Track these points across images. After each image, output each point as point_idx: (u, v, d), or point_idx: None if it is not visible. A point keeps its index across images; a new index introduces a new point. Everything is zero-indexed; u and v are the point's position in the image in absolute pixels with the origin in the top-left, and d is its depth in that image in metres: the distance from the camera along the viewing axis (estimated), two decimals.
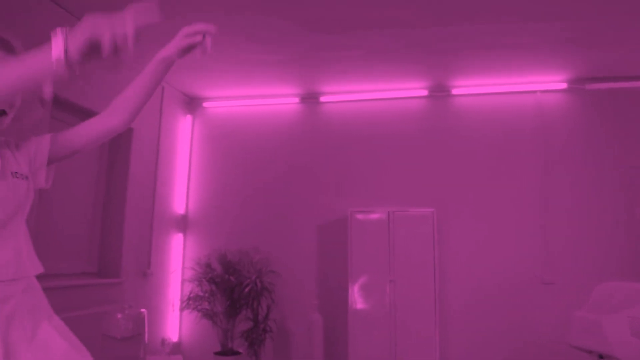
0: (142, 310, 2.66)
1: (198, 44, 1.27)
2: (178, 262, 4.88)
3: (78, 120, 3.74)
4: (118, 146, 4.17)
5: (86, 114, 3.76)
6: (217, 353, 4.18)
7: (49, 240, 3.46)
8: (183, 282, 4.72)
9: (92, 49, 0.93)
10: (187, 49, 1.28)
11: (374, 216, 4.28)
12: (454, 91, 4.78)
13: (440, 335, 4.10)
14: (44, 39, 1.06)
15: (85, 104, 3.67)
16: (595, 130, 4.52)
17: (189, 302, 4.12)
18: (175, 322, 4.75)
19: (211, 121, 5.24)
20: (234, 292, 4.12)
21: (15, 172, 1.27)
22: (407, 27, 3.67)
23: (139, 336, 2.40)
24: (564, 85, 4.62)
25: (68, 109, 3.65)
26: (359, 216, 4.31)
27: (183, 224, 4.98)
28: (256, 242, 4.64)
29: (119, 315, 2.38)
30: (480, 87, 4.74)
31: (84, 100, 3.64)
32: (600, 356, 2.57)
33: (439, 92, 4.80)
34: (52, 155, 1.39)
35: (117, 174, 4.20)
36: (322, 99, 4.99)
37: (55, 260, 3.52)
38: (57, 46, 0.97)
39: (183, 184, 5.06)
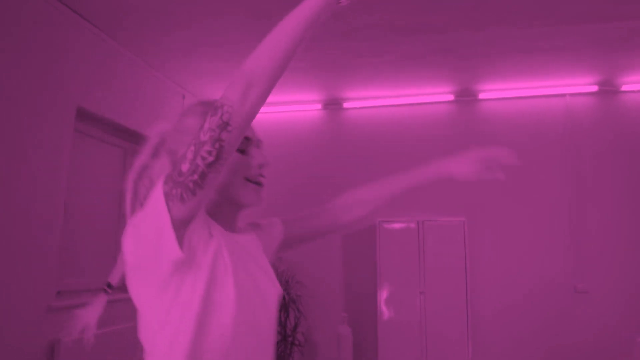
0: None
1: None
2: None
3: (101, 132, 3.68)
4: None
5: (109, 125, 3.69)
6: None
7: (73, 256, 3.38)
8: None
9: None
10: None
11: (403, 225, 4.17)
12: (481, 95, 4.66)
13: (472, 347, 3.98)
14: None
15: (108, 114, 3.58)
16: (626, 134, 4.39)
17: None
18: None
19: None
20: None
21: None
22: (438, 32, 3.56)
23: None
24: (594, 88, 4.49)
25: (91, 121, 3.56)
26: (387, 225, 4.20)
27: None
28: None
29: None
30: (508, 91, 4.62)
31: (107, 111, 3.56)
32: None
33: (466, 97, 4.68)
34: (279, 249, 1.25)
35: None
36: (345, 105, 4.88)
37: (79, 276, 3.44)
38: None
39: None
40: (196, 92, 4.77)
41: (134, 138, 3.95)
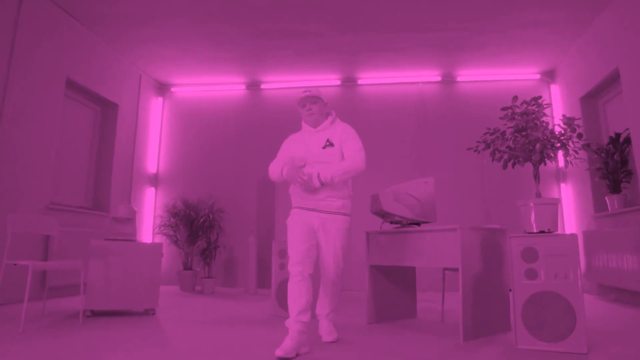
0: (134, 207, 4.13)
1: None
2: (151, 208, 6.42)
3: (87, 100, 5.30)
4: (107, 119, 5.69)
5: (93, 96, 5.29)
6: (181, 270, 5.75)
7: (63, 178, 4.99)
8: (155, 218, 6.28)
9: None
10: None
11: None
12: (360, 81, 6.45)
13: None
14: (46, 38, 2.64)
15: (92, 87, 5.19)
16: (458, 109, 6.25)
17: (160, 228, 5.69)
18: None
19: (177, 102, 6.79)
20: (193, 224, 5.69)
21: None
22: (323, 35, 5.29)
23: (132, 220, 3.89)
24: (438, 78, 6.34)
25: (78, 90, 5.17)
26: None
27: (155, 180, 6.53)
28: (210, 192, 6.25)
29: (121, 206, 3.87)
30: (380, 79, 6.42)
31: (91, 84, 5.16)
32: None
33: (350, 82, 6.46)
34: None
35: (107, 139, 5.72)
36: (262, 86, 6.60)
37: (65, 195, 5.06)
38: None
39: (155, 149, 6.60)
40: (150, 73, 6.38)
41: (104, 103, 5.57)
